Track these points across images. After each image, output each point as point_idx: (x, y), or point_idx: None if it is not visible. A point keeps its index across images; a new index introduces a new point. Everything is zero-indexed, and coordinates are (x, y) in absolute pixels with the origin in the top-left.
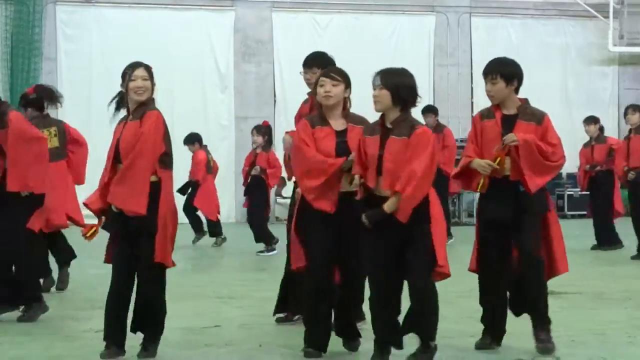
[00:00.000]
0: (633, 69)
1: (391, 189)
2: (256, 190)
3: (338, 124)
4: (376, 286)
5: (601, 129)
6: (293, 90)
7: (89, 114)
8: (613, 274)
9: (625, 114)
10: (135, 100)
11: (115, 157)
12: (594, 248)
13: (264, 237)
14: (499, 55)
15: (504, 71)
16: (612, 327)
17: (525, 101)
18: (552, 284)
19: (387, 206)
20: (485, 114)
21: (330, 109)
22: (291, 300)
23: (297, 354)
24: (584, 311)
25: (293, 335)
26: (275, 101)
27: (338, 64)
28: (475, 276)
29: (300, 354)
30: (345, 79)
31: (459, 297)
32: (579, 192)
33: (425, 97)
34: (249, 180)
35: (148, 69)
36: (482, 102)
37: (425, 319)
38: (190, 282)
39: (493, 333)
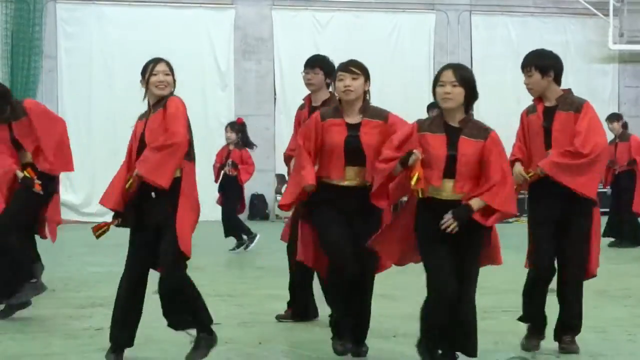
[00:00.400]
0: (633, 67)
1: (466, 191)
2: (228, 187)
3: (353, 117)
4: (440, 293)
5: (624, 126)
6: (293, 88)
7: (89, 112)
8: (615, 271)
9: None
10: (157, 95)
11: (139, 151)
12: (612, 245)
13: (233, 232)
14: (498, 53)
15: (539, 63)
16: (613, 325)
17: (568, 91)
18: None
19: (476, 204)
20: (530, 109)
21: (349, 104)
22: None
23: (297, 351)
24: (585, 308)
25: (293, 332)
26: (275, 99)
27: (337, 62)
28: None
29: (300, 352)
30: (364, 72)
31: None
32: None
33: (425, 95)
34: (221, 177)
35: (169, 64)
36: (482, 99)
37: (472, 329)
38: None
39: (540, 327)
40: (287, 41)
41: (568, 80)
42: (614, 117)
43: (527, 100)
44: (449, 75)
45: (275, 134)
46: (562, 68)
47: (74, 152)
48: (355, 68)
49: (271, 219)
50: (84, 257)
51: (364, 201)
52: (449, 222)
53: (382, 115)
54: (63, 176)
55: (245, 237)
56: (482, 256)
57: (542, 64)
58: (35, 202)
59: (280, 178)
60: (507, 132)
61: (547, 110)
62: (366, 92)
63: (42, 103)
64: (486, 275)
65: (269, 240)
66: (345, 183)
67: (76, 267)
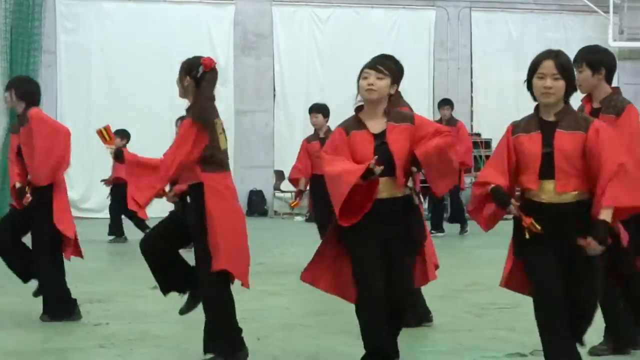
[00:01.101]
0: (632, 64)
1: (571, 191)
2: None
3: (377, 124)
4: (549, 309)
5: None
6: (293, 84)
7: (89, 107)
8: None
9: None
10: None
11: None
12: None
13: None
14: (498, 50)
15: (590, 58)
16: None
17: (615, 91)
18: None
19: (606, 215)
20: (580, 109)
21: (372, 105)
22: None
23: (294, 347)
24: None
25: (290, 328)
26: (274, 95)
27: (337, 59)
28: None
29: (298, 347)
30: (392, 73)
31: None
32: None
33: (425, 92)
34: None
35: None
36: (481, 96)
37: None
38: None
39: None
40: (287, 37)
41: None
42: None
43: (526, 96)
44: (549, 67)
45: (275, 130)
46: (614, 66)
47: (75, 152)
48: (383, 67)
49: (269, 215)
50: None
51: (398, 212)
52: (595, 249)
53: (407, 117)
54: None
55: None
56: None
57: (594, 60)
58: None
59: (279, 174)
60: (508, 119)
61: (594, 112)
62: (391, 95)
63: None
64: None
65: (268, 237)
66: (377, 196)
67: (74, 262)
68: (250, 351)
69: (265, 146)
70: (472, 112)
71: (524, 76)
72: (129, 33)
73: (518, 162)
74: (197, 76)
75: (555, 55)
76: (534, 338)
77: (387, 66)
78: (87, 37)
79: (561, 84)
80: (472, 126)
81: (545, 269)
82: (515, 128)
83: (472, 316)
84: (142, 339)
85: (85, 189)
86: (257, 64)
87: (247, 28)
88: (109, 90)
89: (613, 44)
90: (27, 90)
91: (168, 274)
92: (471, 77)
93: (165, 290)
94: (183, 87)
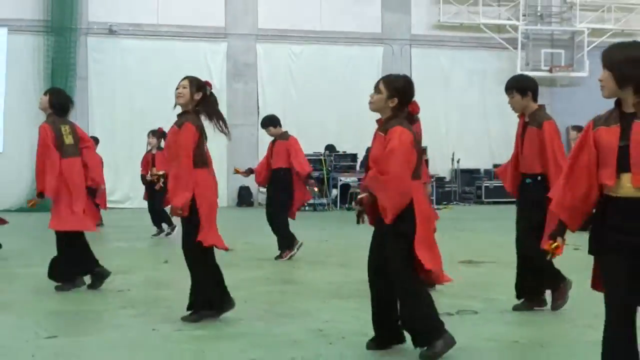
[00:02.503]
0: None
1: None
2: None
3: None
4: (616, 315)
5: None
6: (273, 104)
7: (113, 122)
8: None
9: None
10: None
11: None
12: None
13: (159, 222)
14: (432, 78)
15: (518, 85)
16: None
17: (540, 107)
18: (471, 254)
19: None
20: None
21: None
22: None
23: (274, 309)
24: (496, 276)
25: (271, 295)
26: (258, 112)
27: (307, 84)
28: None
29: (277, 309)
30: (388, 88)
31: None
32: (493, 184)
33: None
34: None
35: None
36: (419, 115)
37: None
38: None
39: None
40: (268, 67)
41: (485, 101)
42: (575, 128)
43: (453, 115)
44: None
45: (259, 139)
46: (537, 88)
47: (102, 154)
48: (382, 83)
49: (255, 206)
50: (107, 234)
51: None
52: None
53: (386, 129)
54: None
55: (166, 226)
56: None
57: (521, 86)
58: None
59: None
60: (439, 135)
61: (524, 124)
62: (392, 109)
63: (72, 116)
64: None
65: (255, 222)
66: None
67: (102, 241)
68: (239, 311)
69: (251, 151)
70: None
71: (453, 98)
72: (144, 63)
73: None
74: (206, 93)
75: (603, 52)
76: (459, 300)
77: (385, 82)
78: (111, 67)
79: (606, 74)
80: None
81: (617, 271)
82: (596, 122)
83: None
84: (156, 302)
85: (112, 184)
86: (245, 88)
87: (237, 60)
88: (129, 108)
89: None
90: None
91: None
92: None
93: None
94: (192, 98)
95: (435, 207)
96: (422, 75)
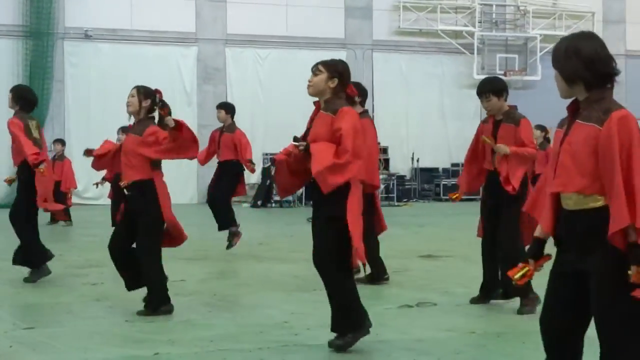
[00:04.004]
0: None
1: (564, 190)
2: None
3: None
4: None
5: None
6: (241, 106)
7: (89, 123)
8: (478, 241)
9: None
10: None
11: None
12: None
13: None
14: (392, 81)
15: (493, 88)
16: (475, 282)
17: (512, 108)
18: (430, 249)
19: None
20: (485, 120)
21: (320, 99)
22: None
23: (243, 301)
24: (454, 270)
25: (239, 287)
26: None
27: (273, 87)
28: None
29: (245, 301)
30: (328, 69)
31: None
32: (451, 182)
33: None
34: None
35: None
36: (381, 115)
37: None
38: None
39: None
40: (236, 70)
41: (443, 102)
42: (538, 127)
43: (413, 117)
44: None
45: None
46: (508, 89)
47: (77, 152)
48: (321, 65)
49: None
50: (82, 230)
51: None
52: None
53: (334, 109)
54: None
55: None
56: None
57: (497, 88)
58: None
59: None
60: (399, 135)
61: (496, 123)
62: (333, 89)
63: (49, 118)
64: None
65: None
66: None
67: (77, 237)
68: (208, 304)
69: None
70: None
71: (413, 100)
72: (119, 66)
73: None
74: (156, 100)
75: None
76: (419, 293)
77: (325, 63)
78: (87, 70)
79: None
80: None
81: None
82: (560, 122)
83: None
84: (128, 294)
85: (86, 183)
86: (214, 90)
87: (207, 64)
88: (104, 108)
89: (476, 77)
90: None
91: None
92: (373, 100)
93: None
94: (140, 106)
95: (396, 204)
96: (383, 78)
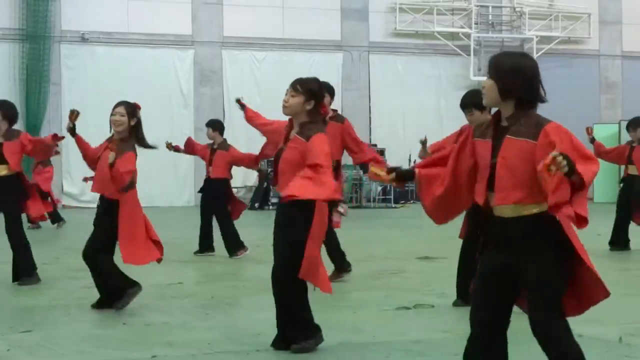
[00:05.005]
0: None
1: (503, 203)
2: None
3: (293, 133)
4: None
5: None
6: (237, 108)
7: (85, 126)
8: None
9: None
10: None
11: None
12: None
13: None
14: (389, 83)
15: (476, 102)
16: None
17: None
18: (427, 251)
19: None
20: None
21: (294, 119)
22: None
23: (237, 302)
24: (451, 271)
25: (236, 290)
26: (224, 116)
27: (270, 89)
28: None
29: (242, 303)
30: (305, 91)
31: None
32: None
33: None
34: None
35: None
36: (377, 117)
37: None
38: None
39: None
40: (232, 73)
41: (440, 104)
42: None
43: (409, 118)
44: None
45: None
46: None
47: (74, 156)
48: (299, 85)
49: None
50: (78, 233)
51: (287, 213)
52: None
53: (308, 135)
54: (66, 172)
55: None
56: None
57: (478, 102)
58: None
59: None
60: (396, 137)
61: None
62: (308, 112)
63: (46, 121)
64: (373, 246)
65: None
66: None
67: (74, 241)
68: (206, 307)
69: None
70: (370, 128)
71: (409, 101)
72: (115, 70)
73: None
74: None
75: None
76: (417, 295)
77: (303, 84)
78: (83, 72)
79: (489, 83)
80: (370, 139)
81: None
82: (474, 131)
83: (370, 279)
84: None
85: (83, 185)
86: (211, 93)
87: (203, 66)
88: (101, 111)
89: (473, 78)
90: None
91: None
92: (369, 102)
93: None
94: (129, 125)
95: (393, 205)
96: (380, 80)
